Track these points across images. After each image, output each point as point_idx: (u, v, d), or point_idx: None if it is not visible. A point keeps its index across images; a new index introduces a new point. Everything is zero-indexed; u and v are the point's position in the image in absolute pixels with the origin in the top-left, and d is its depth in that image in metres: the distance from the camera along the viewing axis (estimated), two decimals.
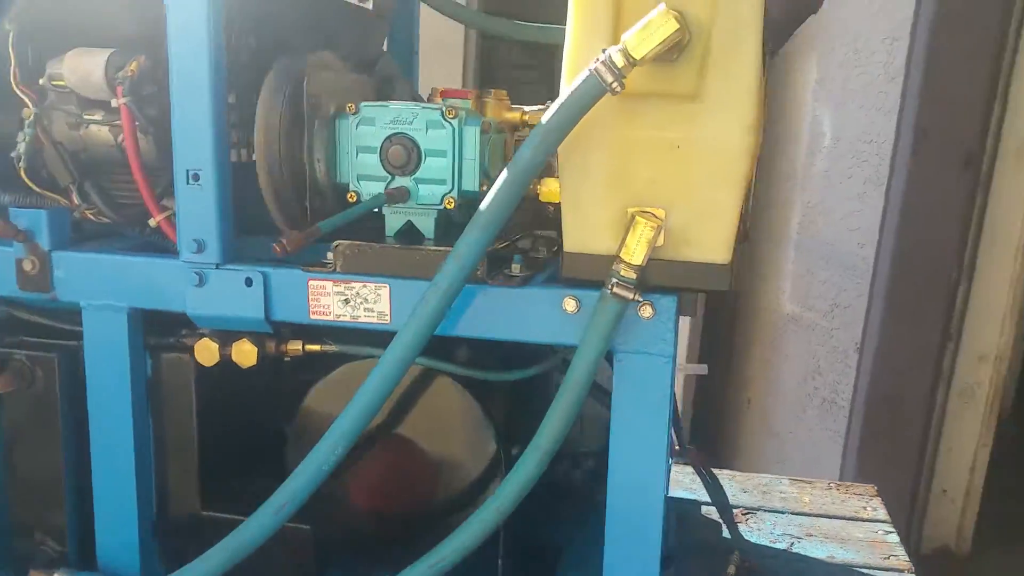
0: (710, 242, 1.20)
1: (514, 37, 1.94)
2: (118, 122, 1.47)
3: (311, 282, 1.34)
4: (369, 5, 1.90)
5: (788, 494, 2.06)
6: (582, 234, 1.24)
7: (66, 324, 1.51)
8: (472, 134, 1.30)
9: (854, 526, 1.91)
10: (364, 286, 1.32)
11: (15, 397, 1.50)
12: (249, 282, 1.35)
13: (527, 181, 1.17)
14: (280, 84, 1.30)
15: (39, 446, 1.52)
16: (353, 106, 1.31)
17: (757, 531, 1.90)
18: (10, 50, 1.49)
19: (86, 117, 1.51)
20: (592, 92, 1.12)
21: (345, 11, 1.81)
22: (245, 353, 1.39)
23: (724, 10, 1.14)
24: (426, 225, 1.36)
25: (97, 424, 1.48)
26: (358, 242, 1.31)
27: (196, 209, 1.35)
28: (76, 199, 1.49)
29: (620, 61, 1.10)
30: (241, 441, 1.58)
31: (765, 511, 1.98)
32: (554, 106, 1.14)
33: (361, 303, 1.33)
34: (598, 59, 1.11)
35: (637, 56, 1.10)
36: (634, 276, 1.18)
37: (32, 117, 1.48)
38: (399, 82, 1.65)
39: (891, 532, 1.92)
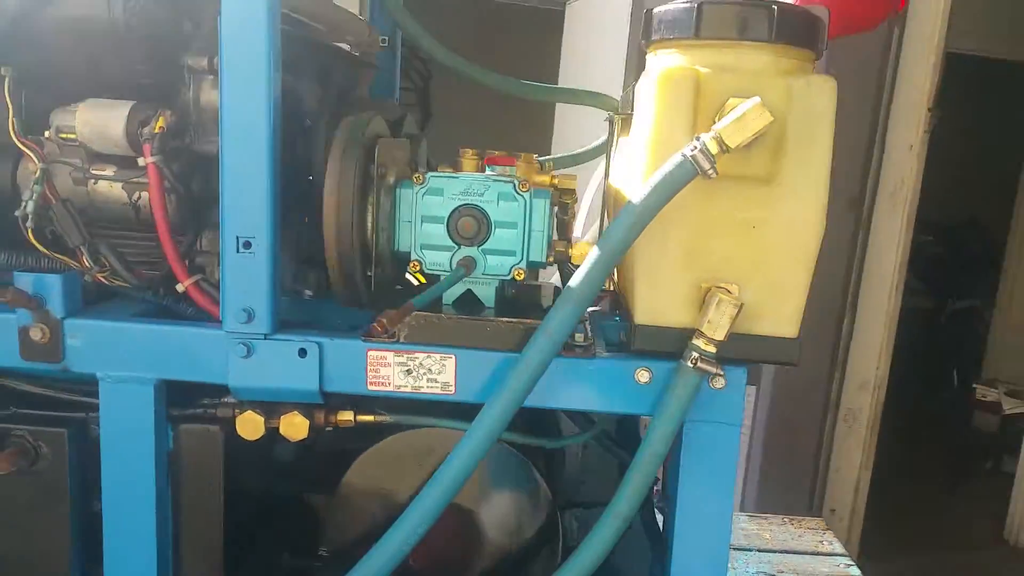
0: (780, 317, 1.27)
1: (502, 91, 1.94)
2: (136, 179, 1.38)
3: (371, 352, 1.30)
4: (357, 52, 1.86)
5: (749, 530, 2.18)
6: (656, 307, 1.28)
7: (68, 395, 1.39)
8: (541, 206, 1.30)
9: (818, 561, 2.05)
10: (428, 356, 1.30)
11: (10, 477, 1.36)
12: (303, 353, 1.30)
13: (619, 259, 1.19)
14: (352, 151, 1.26)
15: (42, 529, 1.39)
16: (421, 176, 1.29)
17: (732, 569, 2.00)
18: (7, 97, 1.36)
19: (94, 172, 1.40)
20: (686, 176, 1.16)
21: (341, 58, 1.77)
22: (296, 426, 1.33)
23: (799, 101, 1.21)
24: (487, 294, 1.35)
25: (112, 502, 1.36)
26: (425, 313, 1.29)
27: (246, 277, 1.28)
28: (87, 261, 1.37)
29: (714, 148, 1.15)
30: (257, 512, 1.51)
31: (734, 550, 2.08)
32: (646, 188, 1.17)
33: (424, 374, 1.30)
34: (694, 147, 1.15)
35: (732, 145, 1.15)
36: (715, 350, 1.23)
37: (39, 172, 1.35)
38: (420, 141, 1.62)
39: (852, 565, 2.07)
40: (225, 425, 1.38)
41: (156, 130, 1.32)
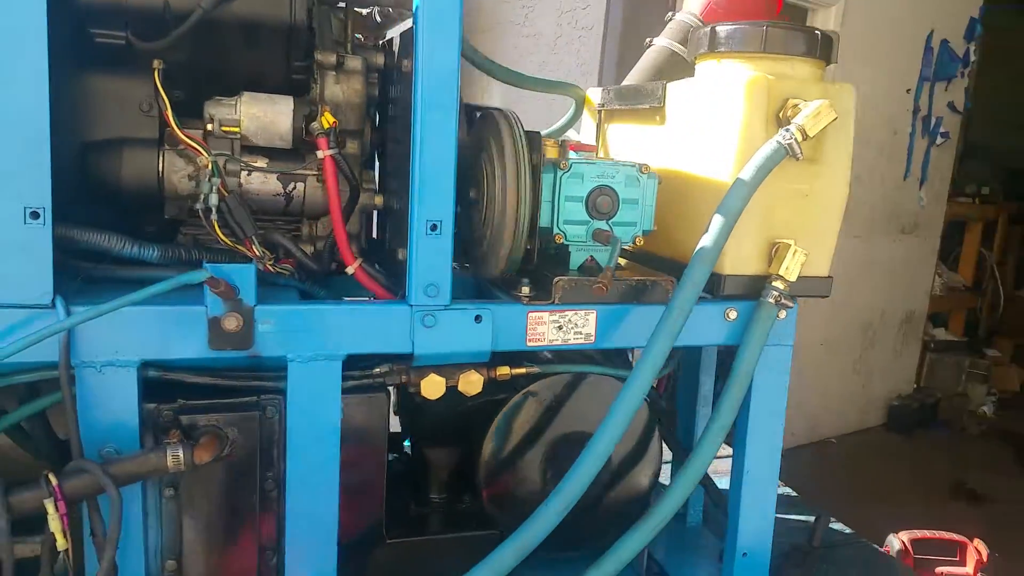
0: (819, 261, 1.71)
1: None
2: (300, 170, 1.49)
3: (530, 314, 1.54)
4: None
5: None
6: (738, 260, 1.66)
7: (239, 381, 1.46)
8: (652, 186, 1.62)
9: None
10: (576, 313, 1.57)
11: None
12: (479, 319, 1.50)
13: (736, 222, 1.55)
14: (522, 146, 1.48)
15: (234, 510, 1.45)
16: (566, 163, 1.54)
17: None
18: (161, 90, 1.39)
19: (250, 164, 1.47)
20: (780, 158, 1.55)
21: None
22: (472, 383, 1.53)
23: (834, 100, 1.65)
24: (606, 259, 1.64)
25: (297, 473, 1.46)
26: (575, 278, 1.55)
27: (433, 256, 1.46)
28: (257, 250, 1.45)
29: (800, 136, 1.55)
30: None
31: None
32: (751, 168, 1.54)
33: (572, 328, 1.57)
34: (784, 137, 1.54)
35: (811, 135, 1.56)
36: (788, 289, 1.64)
37: (211, 166, 1.40)
38: None
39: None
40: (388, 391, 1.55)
41: (326, 125, 1.44)
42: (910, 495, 4.94)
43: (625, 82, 2.14)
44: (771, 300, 1.63)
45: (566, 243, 1.58)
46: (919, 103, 5.67)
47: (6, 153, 1.23)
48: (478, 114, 1.64)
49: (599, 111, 2.14)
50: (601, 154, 2.12)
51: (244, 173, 1.47)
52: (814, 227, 1.69)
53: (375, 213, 1.74)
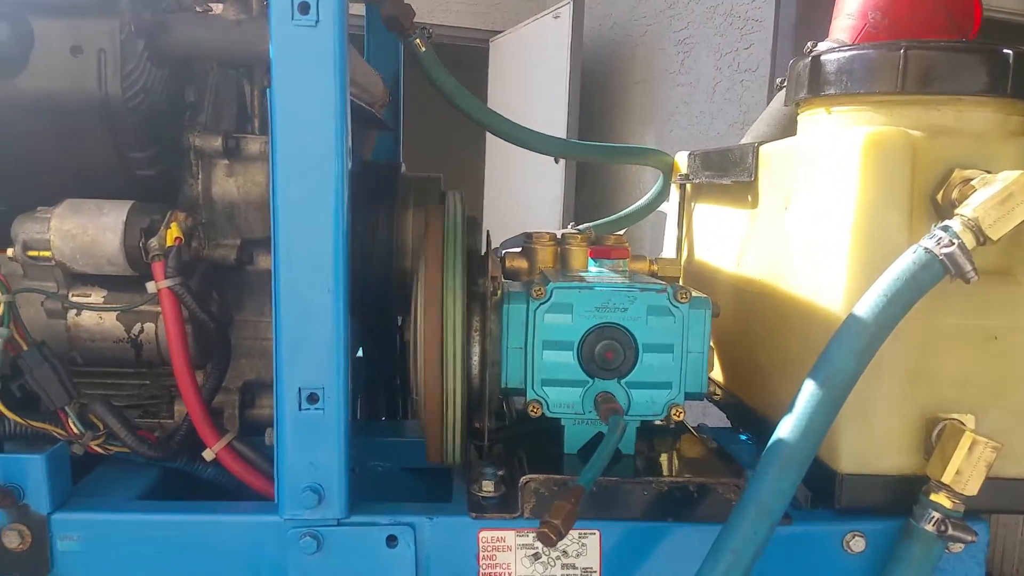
0: None
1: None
2: (142, 306, 1.02)
3: (483, 533, 0.95)
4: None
5: None
6: (868, 449, 0.95)
7: None
8: (701, 319, 0.97)
9: None
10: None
11: None
12: (393, 541, 0.94)
13: (845, 397, 0.87)
14: (455, 259, 0.92)
15: None
16: (541, 288, 0.95)
17: None
18: None
19: (74, 299, 1.03)
20: (933, 280, 0.85)
21: (364, 121, 1.42)
22: None
23: None
24: (627, 439, 1.01)
25: None
26: (555, 476, 0.94)
27: (312, 442, 0.92)
28: (75, 426, 0.99)
29: (972, 240, 0.84)
30: None
31: None
32: (877, 296, 0.85)
33: (558, 559, 0.95)
34: (940, 241, 0.84)
35: (994, 236, 0.84)
36: (963, 509, 0.91)
37: (4, 308, 0.97)
38: (477, 224, 1.28)
39: None
40: None
41: (170, 242, 0.96)
42: None
43: (746, 138, 1.49)
44: (929, 526, 0.91)
45: (550, 416, 0.98)
46: None
47: None
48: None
49: (681, 185, 1.49)
50: (672, 253, 1.47)
51: (72, 313, 1.02)
52: (1017, 391, 0.95)
53: None
